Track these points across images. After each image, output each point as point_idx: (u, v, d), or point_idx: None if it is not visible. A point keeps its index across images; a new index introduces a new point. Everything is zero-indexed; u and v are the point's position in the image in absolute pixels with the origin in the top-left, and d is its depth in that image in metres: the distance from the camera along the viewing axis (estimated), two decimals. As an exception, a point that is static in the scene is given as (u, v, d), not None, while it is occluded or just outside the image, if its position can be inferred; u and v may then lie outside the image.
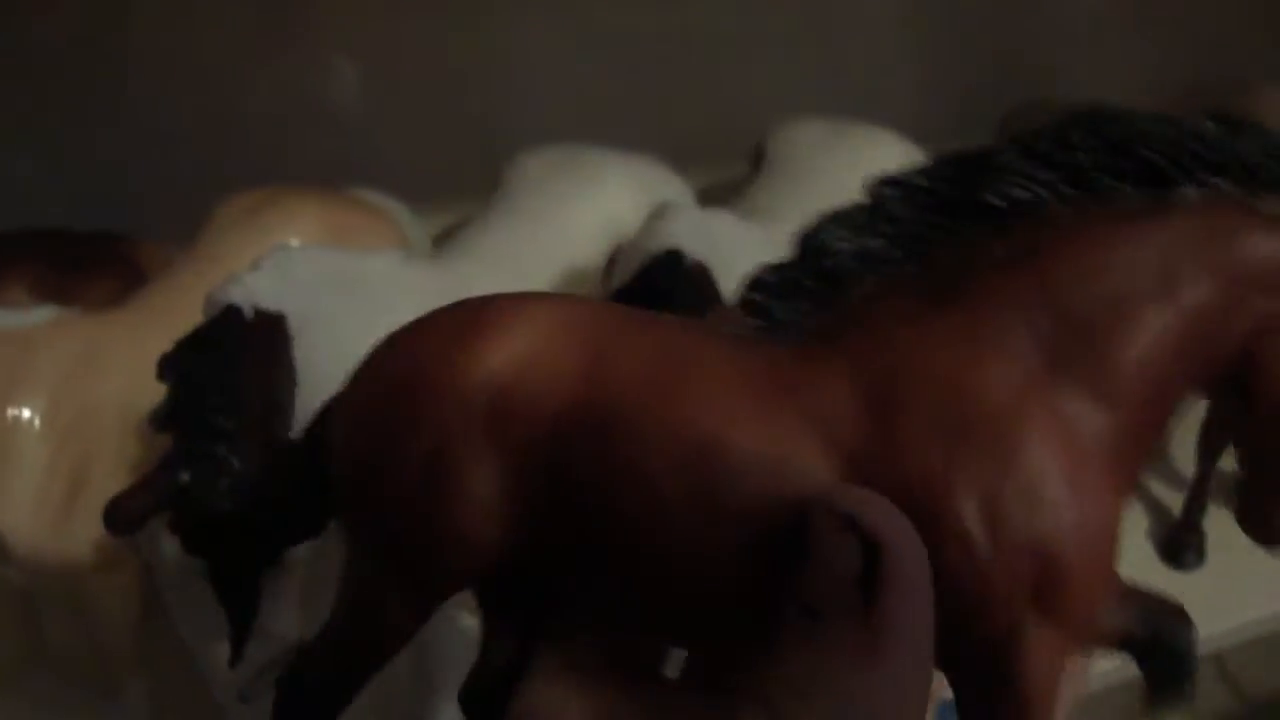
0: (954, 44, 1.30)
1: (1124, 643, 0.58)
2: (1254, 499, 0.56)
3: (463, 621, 0.90)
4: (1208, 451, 1.14)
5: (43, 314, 0.84)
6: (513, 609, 0.59)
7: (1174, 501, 1.22)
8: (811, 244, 0.55)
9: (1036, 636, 0.49)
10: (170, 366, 0.68)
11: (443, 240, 1.03)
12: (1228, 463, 1.18)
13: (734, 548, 0.48)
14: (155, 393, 0.73)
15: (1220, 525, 1.19)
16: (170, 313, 0.84)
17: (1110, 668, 1.11)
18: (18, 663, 0.97)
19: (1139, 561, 1.17)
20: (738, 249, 0.78)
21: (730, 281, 0.69)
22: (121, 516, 0.65)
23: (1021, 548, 0.47)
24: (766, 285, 0.54)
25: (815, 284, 0.54)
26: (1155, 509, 1.24)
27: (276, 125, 1.11)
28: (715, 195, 1.10)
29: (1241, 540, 1.20)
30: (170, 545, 0.67)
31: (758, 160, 1.08)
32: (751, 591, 0.48)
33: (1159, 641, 0.58)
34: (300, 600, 0.94)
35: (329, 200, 0.96)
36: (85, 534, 0.81)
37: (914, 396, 0.49)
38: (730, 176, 1.14)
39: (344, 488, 0.56)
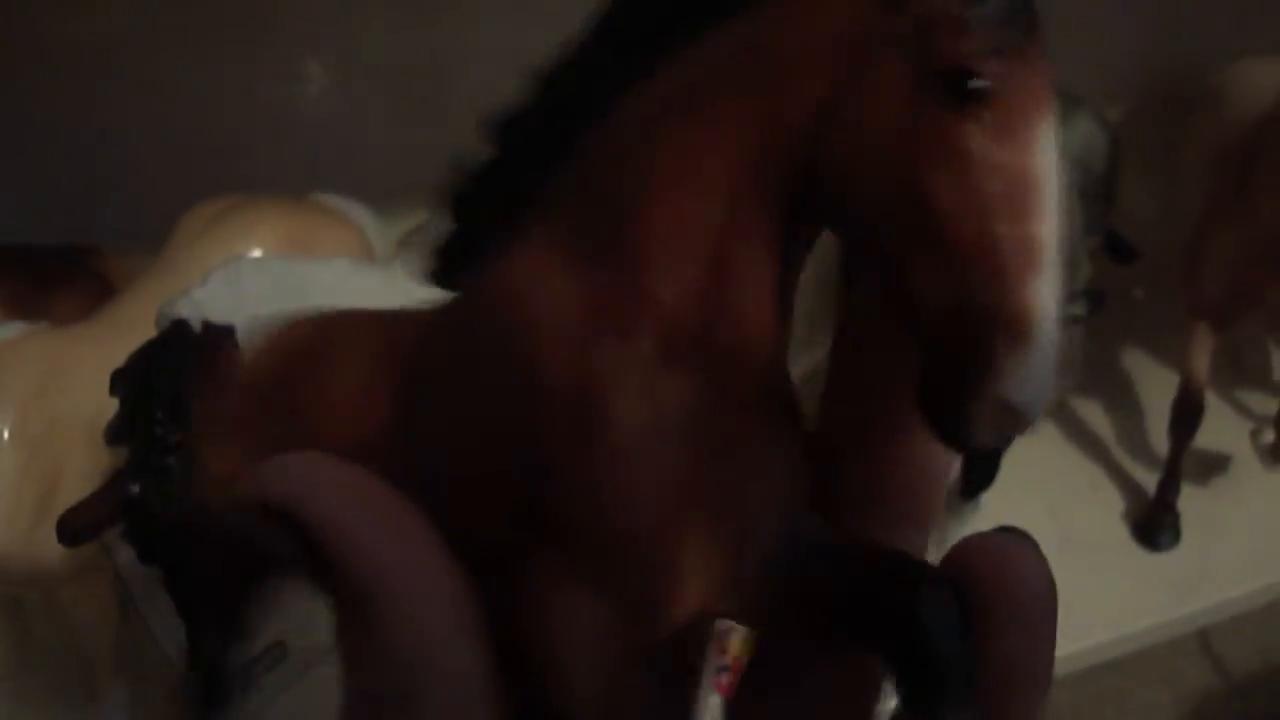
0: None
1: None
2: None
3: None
4: (1180, 430, 1.15)
5: (10, 329, 0.87)
6: None
7: (1148, 481, 1.23)
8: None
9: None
10: (121, 381, 0.70)
11: (407, 243, 1.04)
12: (1201, 441, 1.20)
13: None
14: (119, 405, 0.75)
15: (1195, 504, 1.20)
16: (136, 325, 0.85)
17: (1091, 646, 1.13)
18: (4, 666, 1.00)
19: (1115, 543, 1.18)
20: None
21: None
22: (73, 529, 0.67)
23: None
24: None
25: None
26: (1129, 490, 1.24)
27: (243, 132, 1.13)
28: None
29: (1218, 518, 1.21)
30: (129, 554, 0.69)
31: None
32: None
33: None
34: (275, 600, 0.97)
35: (291, 208, 0.97)
36: (57, 546, 0.83)
37: None
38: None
39: None
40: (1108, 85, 1.29)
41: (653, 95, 0.38)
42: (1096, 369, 1.34)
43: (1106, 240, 1.25)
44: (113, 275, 1.00)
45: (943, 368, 0.33)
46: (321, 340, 0.56)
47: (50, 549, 0.85)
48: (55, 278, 0.98)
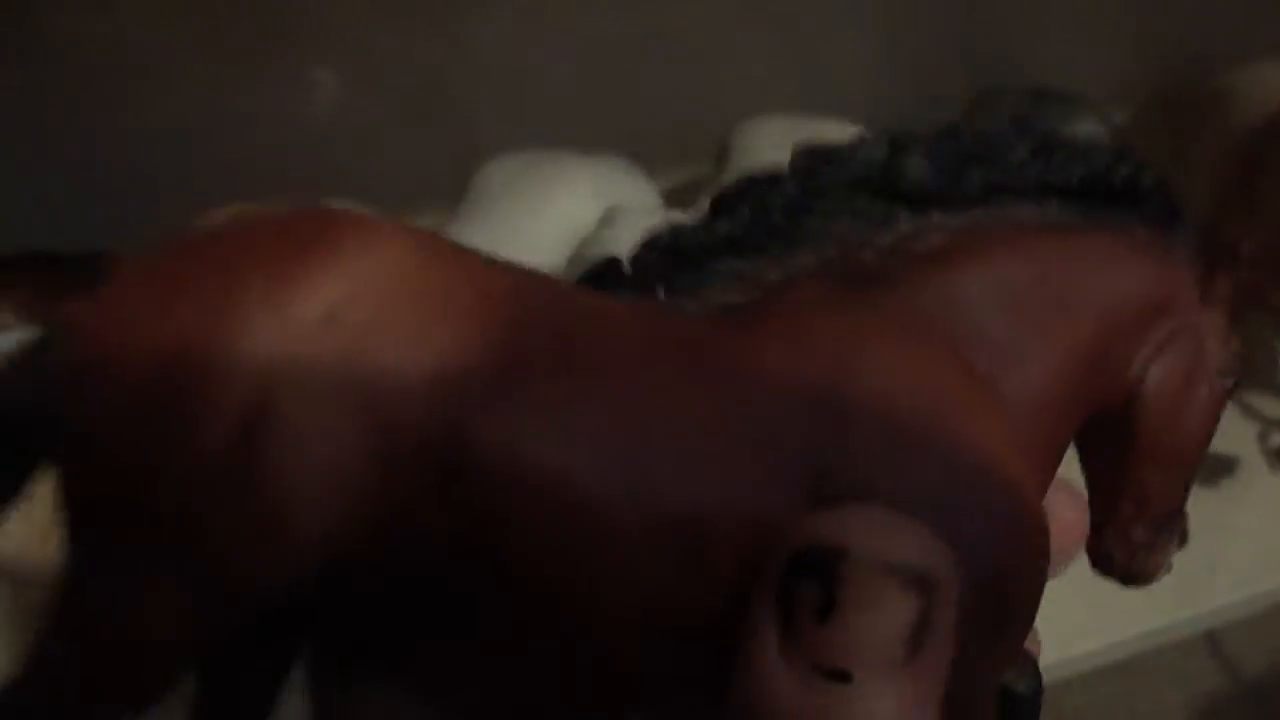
0: (922, 36, 1.30)
1: None
2: (1113, 533, 0.56)
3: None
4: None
5: (28, 336, 0.88)
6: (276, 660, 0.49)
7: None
8: (726, 207, 0.47)
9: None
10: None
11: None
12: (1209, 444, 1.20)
13: (684, 581, 0.39)
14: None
15: (1203, 506, 1.20)
16: (149, 331, 0.87)
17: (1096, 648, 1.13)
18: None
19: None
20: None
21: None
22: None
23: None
24: (664, 246, 0.47)
25: (725, 254, 0.46)
26: (1137, 492, 1.24)
27: (254, 138, 1.14)
28: (686, 195, 1.12)
29: (1226, 520, 1.21)
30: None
31: (721, 159, 1.10)
32: (703, 649, 0.39)
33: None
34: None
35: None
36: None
37: (866, 400, 0.41)
38: (704, 175, 1.16)
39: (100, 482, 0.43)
40: (1115, 88, 1.30)
41: (975, 248, 0.48)
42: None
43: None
44: (127, 282, 1.01)
45: (1135, 529, 0.55)
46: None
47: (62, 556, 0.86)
48: (73, 285, 0.99)
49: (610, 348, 0.41)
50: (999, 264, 0.47)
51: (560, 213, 0.90)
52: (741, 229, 0.46)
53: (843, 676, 0.34)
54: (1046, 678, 1.10)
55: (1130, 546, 0.55)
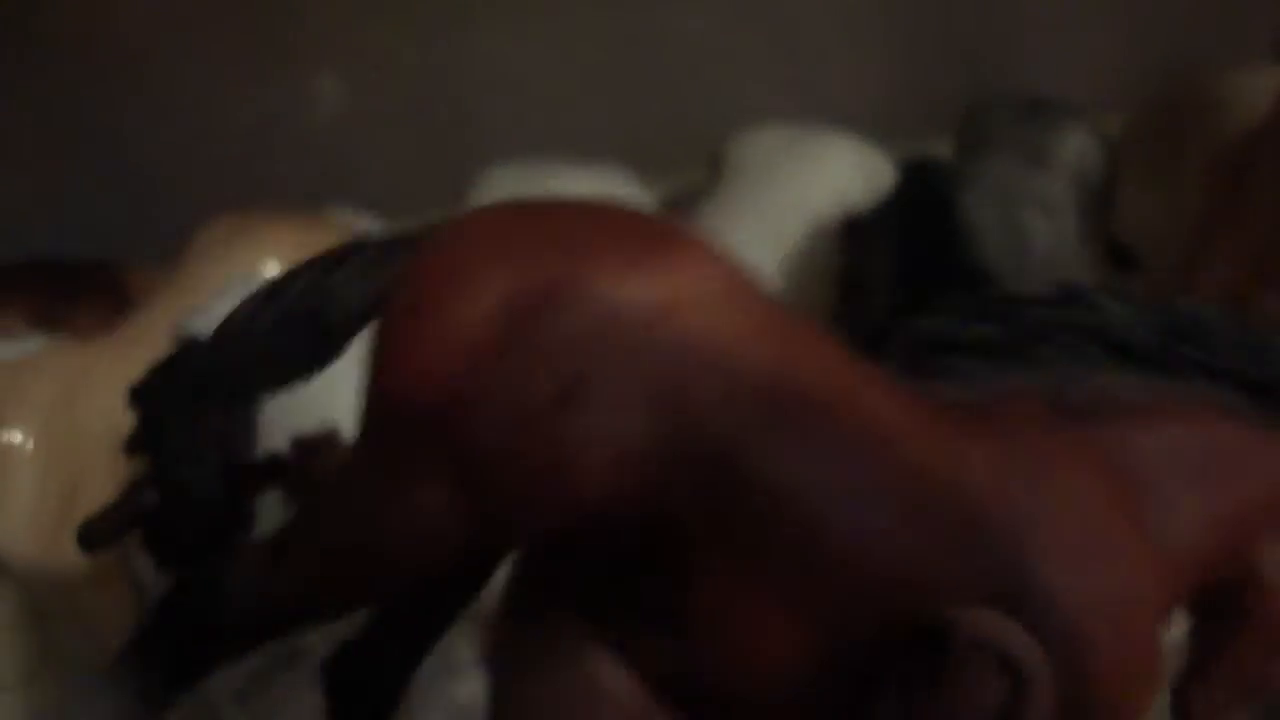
0: (917, 46, 1.31)
1: None
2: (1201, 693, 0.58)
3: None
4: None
5: (34, 343, 0.90)
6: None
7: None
8: (1012, 313, 0.55)
9: None
10: (138, 395, 0.73)
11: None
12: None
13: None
14: (137, 415, 0.78)
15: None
16: (153, 339, 0.88)
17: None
18: (28, 668, 1.03)
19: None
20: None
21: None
22: (92, 536, 0.70)
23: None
24: (920, 335, 0.53)
25: (970, 355, 0.53)
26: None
27: (256, 142, 1.16)
28: (680, 202, 1.13)
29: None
30: (143, 561, 0.71)
31: (715, 167, 1.11)
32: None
33: None
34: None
35: (302, 224, 1.00)
36: (77, 550, 0.86)
37: (1052, 516, 0.49)
38: (698, 182, 1.17)
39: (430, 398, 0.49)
40: (1109, 95, 1.31)
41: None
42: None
43: (1106, 249, 1.26)
44: (131, 289, 1.03)
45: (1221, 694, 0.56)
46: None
47: (71, 555, 0.88)
48: (78, 292, 1.01)
49: (869, 414, 0.48)
50: (1186, 432, 0.54)
51: None
52: (991, 337, 0.53)
53: None
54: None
55: (1214, 709, 0.58)
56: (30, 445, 0.87)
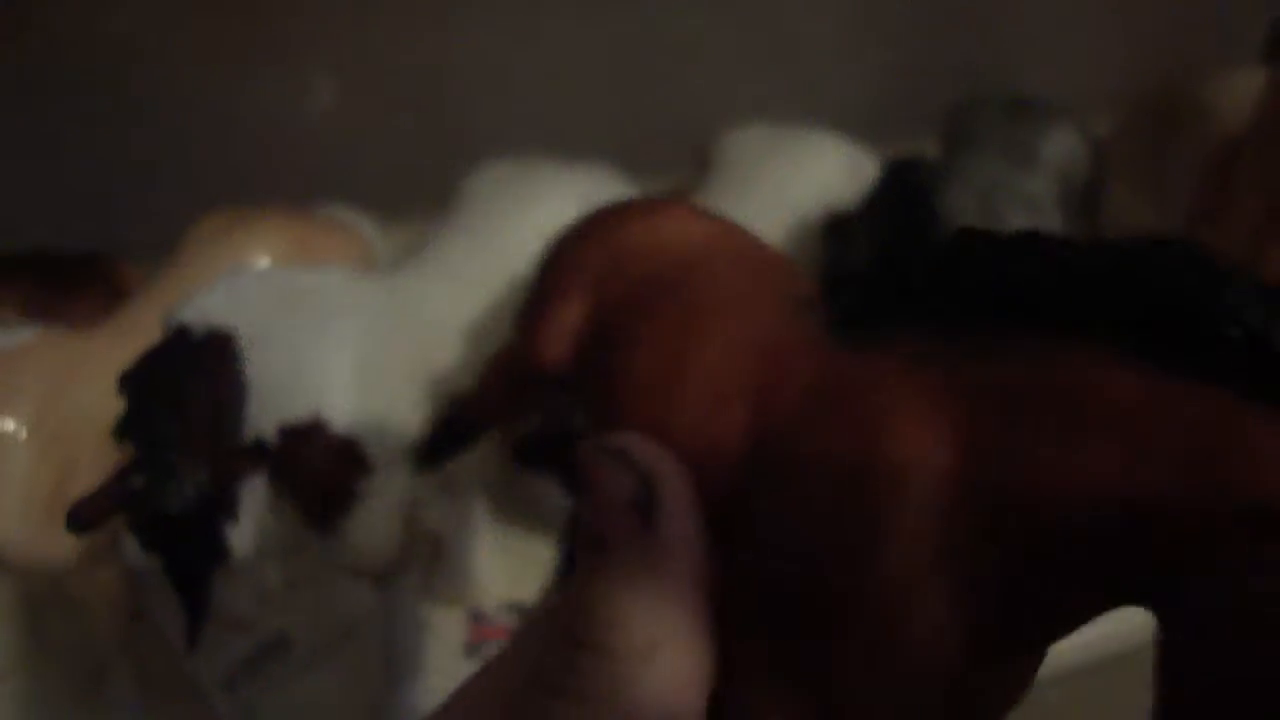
0: (905, 45, 1.33)
1: None
2: None
3: (422, 614, 0.96)
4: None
5: (27, 333, 0.91)
6: None
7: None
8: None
9: None
10: (127, 382, 0.74)
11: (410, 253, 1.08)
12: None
13: None
14: (128, 405, 0.79)
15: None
16: (145, 330, 0.89)
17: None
18: (17, 659, 1.04)
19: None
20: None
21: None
22: (80, 518, 0.71)
23: None
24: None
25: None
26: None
27: (250, 139, 1.17)
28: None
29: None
30: (131, 544, 0.73)
31: (704, 167, 1.12)
32: None
33: None
34: (281, 593, 1.01)
35: (296, 220, 1.01)
36: (69, 538, 0.87)
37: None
38: (687, 183, 1.18)
39: None
40: (1098, 97, 1.32)
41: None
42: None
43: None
44: (126, 282, 1.04)
45: None
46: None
47: (62, 543, 0.89)
48: (72, 283, 1.03)
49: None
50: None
51: (543, 220, 0.92)
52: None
53: (600, 543, 0.40)
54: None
55: None
56: (23, 433, 0.87)
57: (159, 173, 1.16)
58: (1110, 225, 1.31)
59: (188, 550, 0.72)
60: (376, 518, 0.88)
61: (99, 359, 0.91)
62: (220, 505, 0.73)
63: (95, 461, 0.89)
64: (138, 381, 0.75)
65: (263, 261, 0.96)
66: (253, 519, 0.75)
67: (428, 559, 1.00)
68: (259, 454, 0.73)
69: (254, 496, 0.76)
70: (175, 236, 1.03)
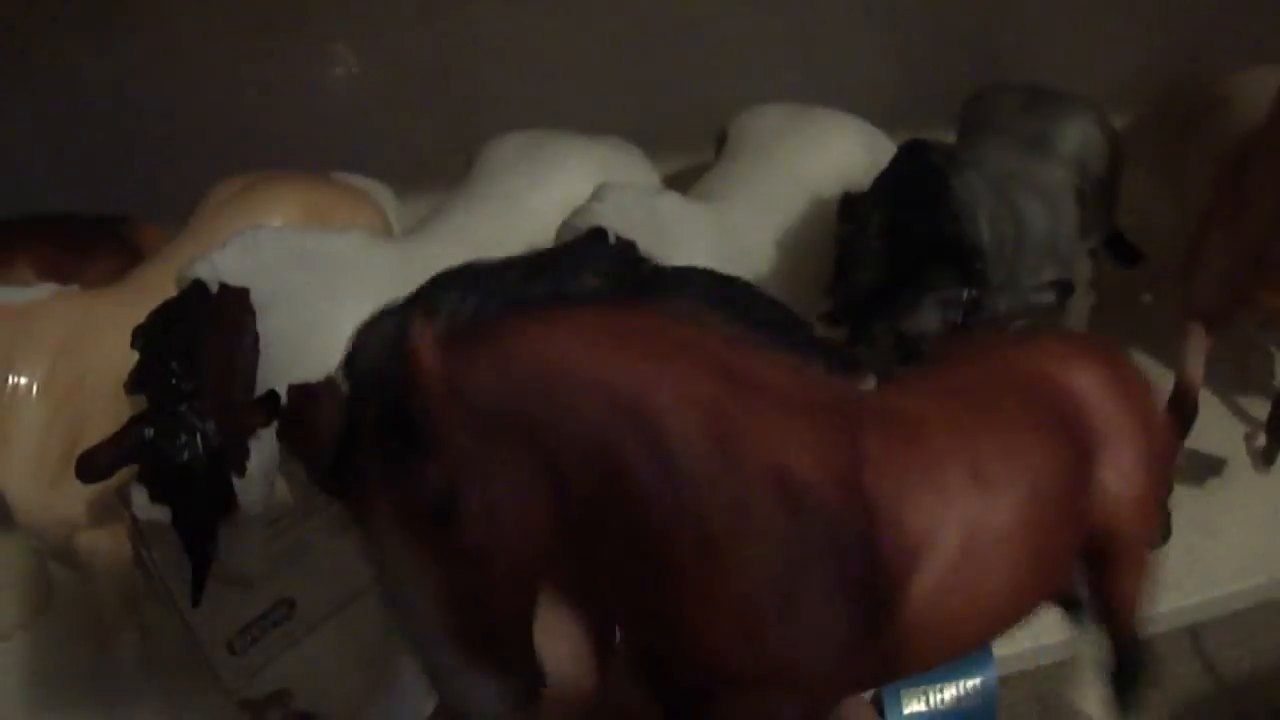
0: (925, 29, 1.32)
1: None
2: None
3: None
4: (1173, 430, 1.16)
5: (41, 290, 0.92)
6: None
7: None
8: None
9: None
10: (141, 335, 0.75)
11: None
12: (1201, 444, 1.21)
13: None
14: (141, 360, 0.80)
15: (1190, 504, 1.21)
16: (159, 289, 0.90)
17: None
18: (29, 613, 1.05)
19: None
20: (675, 227, 0.83)
21: (666, 257, 0.74)
22: (91, 466, 0.72)
23: None
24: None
25: None
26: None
27: (270, 111, 1.17)
28: (687, 179, 1.14)
29: (1210, 518, 1.22)
30: (140, 495, 0.73)
31: (720, 145, 1.12)
32: None
33: None
34: (286, 556, 1.01)
35: (312, 183, 1.02)
36: (80, 491, 0.87)
37: None
38: (705, 161, 1.18)
39: None
40: (1120, 92, 1.31)
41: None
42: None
43: (1110, 241, 1.27)
44: (143, 244, 1.05)
45: None
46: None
47: (73, 497, 0.89)
48: (89, 246, 1.03)
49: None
50: None
51: (562, 188, 0.92)
52: None
53: None
54: (1026, 666, 1.11)
55: None
56: (37, 388, 0.88)
57: (179, 141, 1.17)
58: (1130, 217, 1.31)
59: (195, 501, 0.73)
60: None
61: (113, 318, 0.91)
62: (229, 458, 0.73)
63: (108, 420, 0.89)
64: (151, 335, 0.76)
65: (279, 224, 0.96)
66: (263, 475, 0.75)
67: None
68: (270, 408, 0.74)
69: (265, 453, 0.76)
70: (193, 202, 1.04)
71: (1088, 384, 0.71)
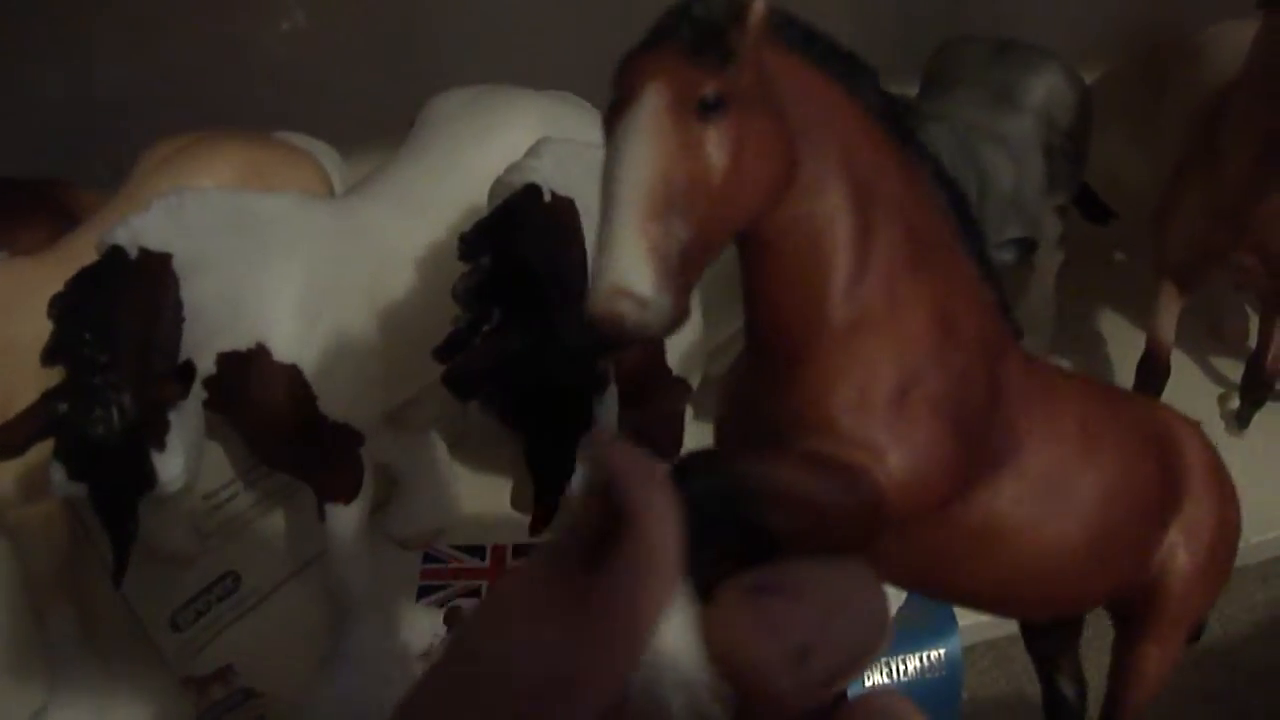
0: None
1: None
2: None
3: (373, 554, 0.93)
4: (1145, 391, 1.14)
5: (-32, 258, 0.88)
6: None
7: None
8: None
9: None
10: (56, 304, 0.71)
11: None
12: (1175, 406, 1.19)
13: None
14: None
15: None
16: (88, 255, 0.87)
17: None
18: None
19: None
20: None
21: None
22: (4, 443, 0.69)
23: None
24: None
25: None
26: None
27: (220, 66, 1.13)
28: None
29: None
30: (58, 472, 0.70)
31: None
32: None
33: None
34: (225, 529, 0.98)
35: (250, 143, 0.98)
36: (8, 467, 0.85)
37: None
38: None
39: None
40: (1090, 46, 1.28)
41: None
42: (1075, 331, 1.34)
43: (1079, 198, 1.24)
44: (77, 209, 1.01)
45: None
46: None
47: (2, 473, 0.87)
48: (19, 210, 0.99)
49: None
50: None
51: (505, 144, 0.88)
52: None
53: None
54: (992, 635, 1.09)
55: None
56: (-37, 359, 0.85)
57: (122, 100, 1.13)
58: (1102, 174, 1.28)
59: (113, 477, 0.69)
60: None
61: (39, 286, 0.86)
62: (147, 432, 0.70)
63: (37, 392, 0.86)
64: (66, 304, 0.72)
65: (213, 185, 0.92)
66: (186, 447, 0.72)
67: (379, 497, 0.97)
68: (187, 378, 0.71)
69: (189, 424, 0.73)
70: (133, 162, 1.00)
71: (1189, 440, 0.70)
